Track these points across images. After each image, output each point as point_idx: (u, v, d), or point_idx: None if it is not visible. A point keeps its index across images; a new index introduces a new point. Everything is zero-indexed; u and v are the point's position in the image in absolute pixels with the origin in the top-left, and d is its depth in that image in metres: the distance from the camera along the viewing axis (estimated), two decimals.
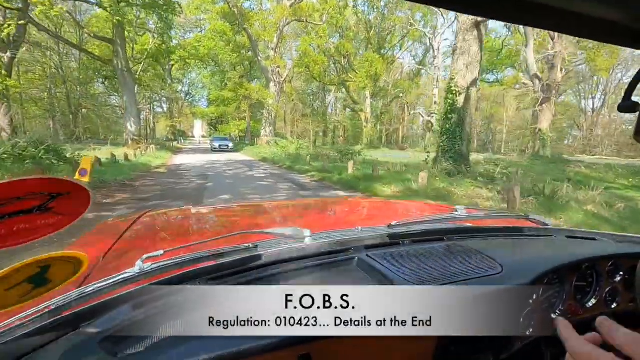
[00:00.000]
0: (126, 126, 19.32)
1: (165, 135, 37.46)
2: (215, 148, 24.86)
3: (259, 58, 23.67)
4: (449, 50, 28.42)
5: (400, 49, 37.09)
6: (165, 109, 39.70)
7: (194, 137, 47.86)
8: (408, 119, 45.58)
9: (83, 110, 30.16)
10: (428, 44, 36.47)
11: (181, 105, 43.15)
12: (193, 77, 44.10)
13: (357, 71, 30.12)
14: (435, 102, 31.39)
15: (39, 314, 0.48)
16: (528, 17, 0.33)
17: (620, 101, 0.40)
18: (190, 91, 45.77)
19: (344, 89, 35.41)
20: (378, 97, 35.87)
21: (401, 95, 36.50)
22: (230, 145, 25.34)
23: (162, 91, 31.82)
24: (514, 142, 38.43)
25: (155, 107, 40.54)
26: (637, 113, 0.40)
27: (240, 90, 25.22)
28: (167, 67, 32.83)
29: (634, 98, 0.40)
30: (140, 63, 22.25)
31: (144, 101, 32.09)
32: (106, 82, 25.99)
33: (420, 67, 36.33)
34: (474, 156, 12.48)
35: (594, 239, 1.02)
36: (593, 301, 0.84)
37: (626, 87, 0.40)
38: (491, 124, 42.25)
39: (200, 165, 13.50)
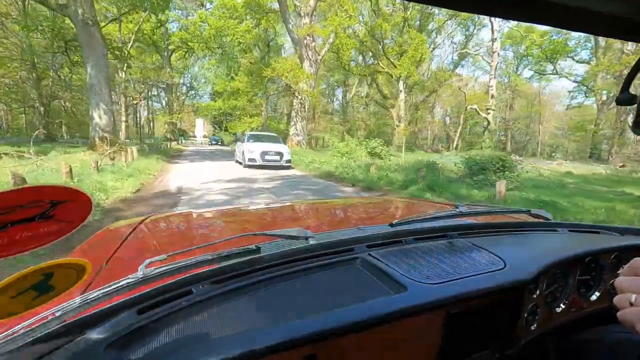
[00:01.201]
0: (92, 116, 11.35)
1: (163, 134, 31.93)
2: (250, 161, 10.95)
3: (290, 26, 17.44)
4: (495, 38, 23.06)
5: (437, 35, 31.67)
6: (164, 104, 34.32)
7: (195, 136, 43.34)
8: (438, 118, 40.43)
9: (63, 102, 24.85)
10: (473, 30, 31.15)
11: (182, 100, 37.86)
12: (195, 71, 39.26)
13: (390, 58, 24.68)
14: (492, 96, 26.10)
15: (43, 322, 0.49)
16: (526, 13, 0.32)
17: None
18: (193, 85, 40.70)
19: (367, 82, 30.00)
20: (414, 91, 30.43)
21: (459, 86, 30.86)
22: (287, 154, 11.65)
23: (160, 79, 26.10)
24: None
25: (153, 102, 35.38)
26: (636, 105, 0.39)
27: (266, 70, 17.71)
28: (165, 53, 27.86)
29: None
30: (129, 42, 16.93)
31: (137, 89, 26.56)
32: (69, 52, 17.23)
33: (473, 52, 30.78)
34: None
35: (597, 232, 1.03)
36: (597, 294, 0.86)
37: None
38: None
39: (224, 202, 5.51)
